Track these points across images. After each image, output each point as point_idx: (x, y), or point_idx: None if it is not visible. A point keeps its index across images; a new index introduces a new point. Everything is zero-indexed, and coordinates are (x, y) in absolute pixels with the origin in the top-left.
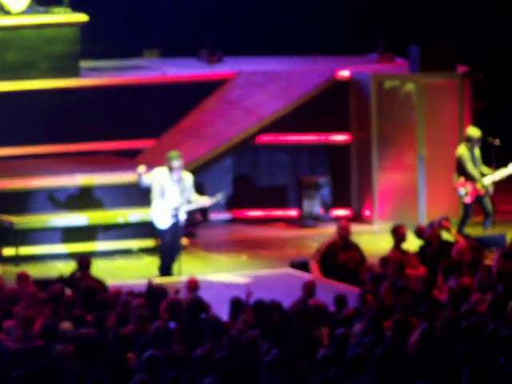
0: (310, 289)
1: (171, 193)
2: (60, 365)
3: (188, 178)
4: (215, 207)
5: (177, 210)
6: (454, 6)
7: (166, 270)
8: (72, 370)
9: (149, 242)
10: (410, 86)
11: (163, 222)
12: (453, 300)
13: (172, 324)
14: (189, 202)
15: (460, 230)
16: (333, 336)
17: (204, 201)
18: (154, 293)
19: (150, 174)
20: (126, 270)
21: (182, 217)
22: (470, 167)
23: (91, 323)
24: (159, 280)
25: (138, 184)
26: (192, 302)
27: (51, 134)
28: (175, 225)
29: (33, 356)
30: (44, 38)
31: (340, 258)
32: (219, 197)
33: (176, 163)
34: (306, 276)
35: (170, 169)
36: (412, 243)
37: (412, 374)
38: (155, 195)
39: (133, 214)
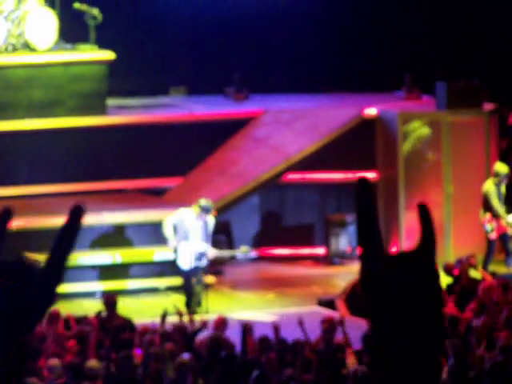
0: (329, 326)
1: (195, 235)
2: None
3: (211, 221)
4: (242, 244)
5: (201, 254)
6: (480, 42)
7: (189, 306)
8: None
9: (176, 280)
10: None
11: (187, 264)
12: (479, 338)
13: (186, 355)
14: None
15: (485, 267)
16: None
17: (230, 252)
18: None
19: (175, 214)
20: (153, 307)
21: (204, 262)
22: (496, 203)
23: (118, 361)
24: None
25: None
26: (213, 339)
27: (78, 172)
28: (197, 267)
29: None
30: (71, 76)
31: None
32: (246, 250)
33: (209, 213)
34: (333, 314)
35: (199, 213)
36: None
37: None
38: (179, 237)
39: (160, 252)
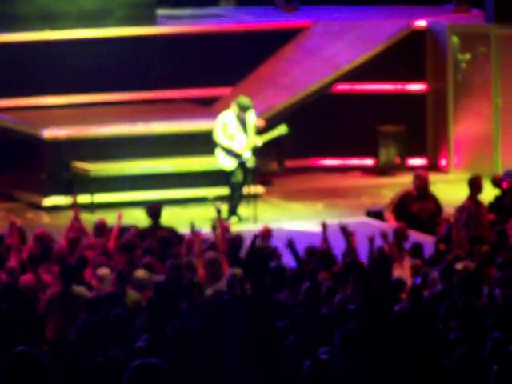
0: (401, 234)
1: (236, 134)
2: (134, 312)
3: (252, 118)
4: (291, 155)
5: (242, 150)
6: None
7: (234, 209)
8: (147, 319)
9: (224, 190)
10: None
11: (229, 164)
12: None
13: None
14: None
15: None
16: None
17: (270, 135)
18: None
19: (218, 120)
20: (200, 217)
21: (249, 162)
22: None
23: (167, 271)
24: (236, 228)
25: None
26: (262, 250)
27: (127, 82)
28: (242, 164)
29: (106, 304)
30: None
31: (413, 208)
32: (283, 128)
33: (247, 111)
34: (381, 225)
35: (238, 111)
36: (488, 193)
37: (488, 324)
38: (221, 138)
39: (209, 162)
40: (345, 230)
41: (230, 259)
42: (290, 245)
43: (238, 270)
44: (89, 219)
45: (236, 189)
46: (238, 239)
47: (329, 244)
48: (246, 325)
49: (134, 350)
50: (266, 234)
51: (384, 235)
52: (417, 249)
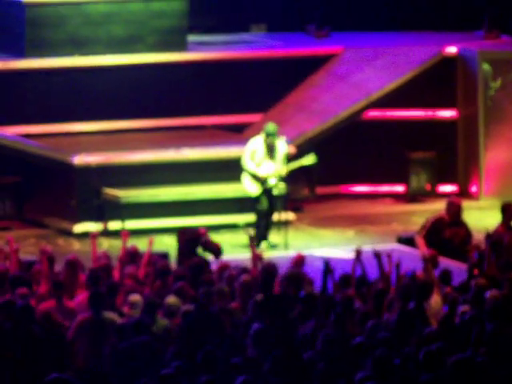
0: (432, 261)
1: (263, 160)
2: (163, 339)
3: (281, 145)
4: (322, 181)
5: (267, 176)
6: None
7: (260, 236)
8: (177, 345)
9: (255, 217)
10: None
11: (254, 189)
12: None
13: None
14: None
15: None
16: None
17: (298, 163)
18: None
19: (247, 147)
20: (232, 244)
21: (273, 182)
22: None
23: (198, 299)
24: (266, 255)
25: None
26: (292, 277)
27: (157, 109)
28: (268, 191)
29: (134, 331)
30: (151, 12)
31: (445, 234)
32: (311, 158)
33: (274, 138)
34: (413, 251)
35: (265, 138)
36: None
37: None
38: (248, 164)
39: (240, 189)
40: (379, 257)
41: (263, 287)
42: (327, 270)
43: (259, 297)
44: (119, 246)
45: (260, 215)
46: (271, 267)
47: (364, 270)
48: (275, 354)
49: (161, 376)
50: (300, 261)
51: (425, 259)
52: (445, 275)
